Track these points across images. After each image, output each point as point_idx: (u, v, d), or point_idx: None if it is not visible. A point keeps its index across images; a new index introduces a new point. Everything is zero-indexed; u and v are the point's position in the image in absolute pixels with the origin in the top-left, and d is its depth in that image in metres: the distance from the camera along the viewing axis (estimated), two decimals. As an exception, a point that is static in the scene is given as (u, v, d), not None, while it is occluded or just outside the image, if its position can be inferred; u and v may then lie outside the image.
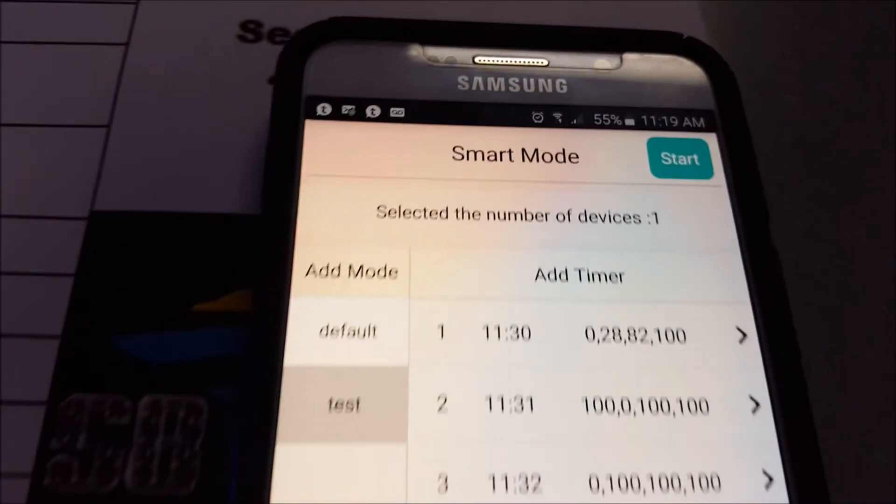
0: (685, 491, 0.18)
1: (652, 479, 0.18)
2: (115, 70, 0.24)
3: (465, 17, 0.25)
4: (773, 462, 0.18)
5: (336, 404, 0.18)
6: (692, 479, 0.18)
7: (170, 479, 0.19)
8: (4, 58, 0.24)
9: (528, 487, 0.17)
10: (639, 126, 0.22)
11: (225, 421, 0.20)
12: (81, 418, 0.20)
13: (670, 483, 0.18)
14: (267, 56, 0.24)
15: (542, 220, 0.20)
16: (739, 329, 0.19)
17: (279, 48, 0.24)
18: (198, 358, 0.20)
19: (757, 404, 0.19)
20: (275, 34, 0.25)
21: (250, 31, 0.25)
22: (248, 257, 0.21)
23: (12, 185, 0.22)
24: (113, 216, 0.22)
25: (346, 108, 0.21)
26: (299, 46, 0.22)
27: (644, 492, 0.17)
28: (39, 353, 0.20)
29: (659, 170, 0.21)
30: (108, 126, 0.23)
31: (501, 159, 0.21)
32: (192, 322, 0.21)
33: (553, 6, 0.26)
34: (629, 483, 0.18)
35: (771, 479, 0.18)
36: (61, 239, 0.22)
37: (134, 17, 0.25)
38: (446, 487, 0.17)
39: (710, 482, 0.18)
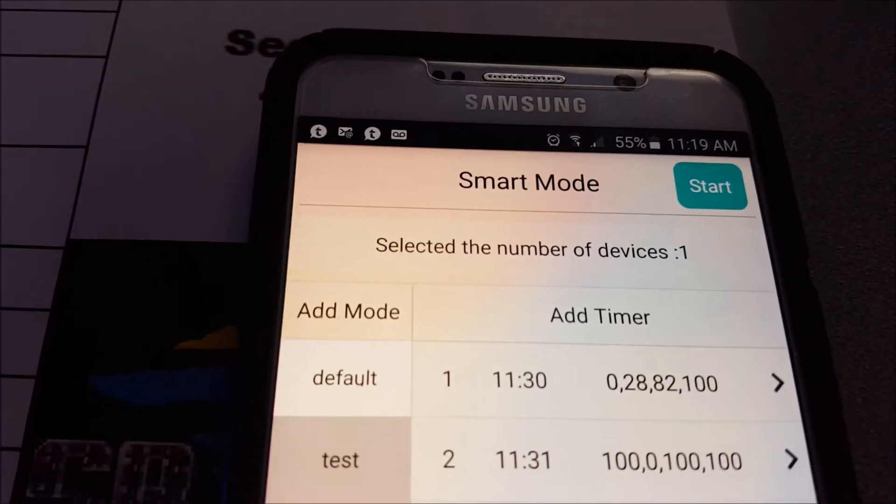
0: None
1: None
2: (93, 85, 0.24)
3: (472, 24, 0.25)
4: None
5: (332, 460, 0.17)
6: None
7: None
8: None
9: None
10: (665, 150, 0.21)
11: (213, 470, 0.19)
12: (58, 465, 0.19)
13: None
14: (258, 69, 0.24)
15: (558, 255, 0.20)
16: (775, 376, 0.19)
17: (271, 61, 0.23)
18: (183, 401, 0.20)
19: (794, 458, 0.18)
20: (266, 45, 0.24)
21: (240, 41, 0.24)
22: (236, 292, 0.21)
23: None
24: (91, 245, 0.22)
25: (342, 130, 0.21)
26: (291, 61, 0.21)
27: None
28: (14, 394, 0.20)
29: (687, 199, 0.21)
30: (85, 147, 0.23)
31: (513, 187, 0.21)
32: (176, 362, 0.20)
33: (569, 6, 0.26)
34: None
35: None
36: (37, 270, 0.21)
37: (114, 27, 0.25)
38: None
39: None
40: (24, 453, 0.19)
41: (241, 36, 0.25)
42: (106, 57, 0.24)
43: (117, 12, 0.25)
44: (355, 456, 0.17)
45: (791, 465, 0.18)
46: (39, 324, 0.21)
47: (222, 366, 0.20)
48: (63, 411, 0.20)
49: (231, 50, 0.24)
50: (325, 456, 0.17)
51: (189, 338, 0.21)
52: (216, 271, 0.21)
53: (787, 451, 0.18)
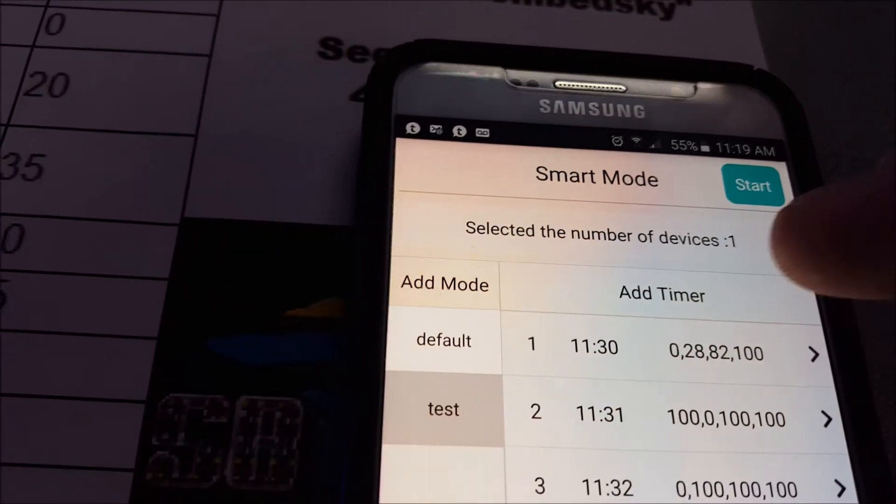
0: (763, 496, 0.20)
1: (734, 485, 0.20)
2: (199, 81, 0.26)
3: (539, 31, 0.28)
4: (844, 471, 0.20)
5: (436, 409, 0.20)
6: (770, 486, 0.20)
7: (269, 476, 0.21)
8: (96, 66, 0.26)
9: (619, 492, 0.19)
10: (714, 153, 0.24)
11: (319, 422, 0.22)
12: (180, 417, 0.21)
13: (750, 490, 0.20)
14: (347, 73, 0.26)
15: (624, 240, 0.22)
16: (811, 348, 0.21)
17: (358, 66, 0.26)
18: (291, 361, 0.22)
19: (829, 419, 0.21)
20: (354, 52, 0.27)
21: (330, 48, 0.27)
22: (338, 267, 0.23)
23: (104, 189, 0.24)
24: (203, 223, 0.24)
25: (433, 128, 0.23)
26: (388, 66, 0.24)
27: (727, 497, 0.20)
28: (137, 355, 0.22)
29: (734, 195, 0.23)
30: (195, 136, 0.25)
31: (583, 180, 0.23)
32: (283, 326, 0.23)
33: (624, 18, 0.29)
34: (713, 489, 0.20)
35: (843, 487, 0.20)
36: (154, 244, 0.24)
37: (216, 29, 0.27)
38: (543, 490, 0.19)
39: (786, 489, 0.20)
40: (148, 406, 0.22)
41: (332, 42, 0.27)
42: (210, 56, 0.27)
43: (218, 15, 0.27)
44: (456, 406, 0.20)
45: (826, 424, 0.21)
46: (159, 291, 0.23)
47: (327, 331, 0.23)
48: (183, 369, 0.22)
49: (322, 55, 0.27)
50: (430, 405, 0.20)
51: (295, 307, 0.23)
52: (313, 249, 0.24)
53: (824, 412, 0.21)
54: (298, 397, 0.22)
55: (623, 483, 0.19)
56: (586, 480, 0.19)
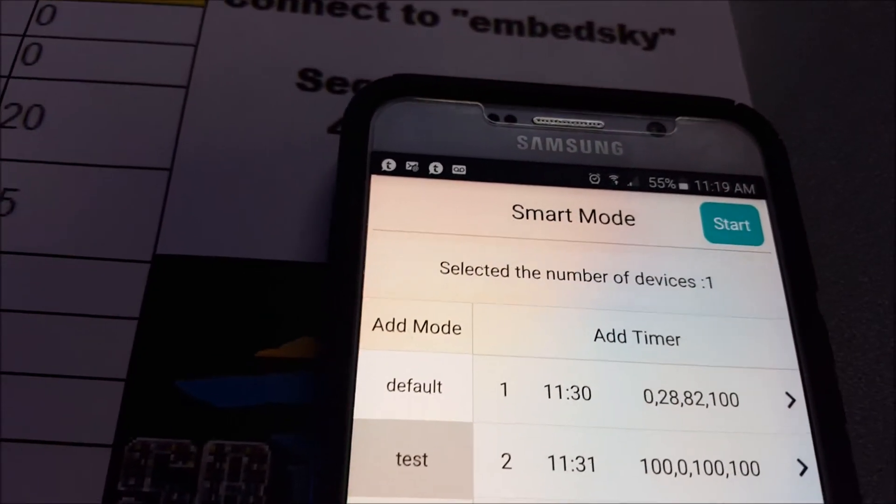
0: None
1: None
2: (175, 113, 0.25)
3: (516, 63, 0.27)
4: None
5: (404, 459, 0.19)
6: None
7: (237, 523, 0.20)
8: (71, 96, 0.25)
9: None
10: (692, 191, 0.23)
11: (288, 467, 0.21)
12: (147, 461, 0.21)
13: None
14: (326, 105, 0.26)
15: (600, 281, 0.22)
16: (788, 394, 0.21)
17: (338, 97, 0.25)
18: (261, 403, 0.22)
19: (805, 467, 0.20)
20: (333, 83, 0.26)
21: (309, 79, 0.26)
22: (312, 305, 0.23)
23: (76, 224, 0.23)
24: (176, 260, 0.23)
25: (409, 165, 0.23)
26: (365, 102, 0.23)
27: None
28: (105, 396, 0.22)
29: (712, 234, 0.23)
30: (169, 169, 0.24)
31: (560, 219, 0.22)
32: (254, 368, 0.22)
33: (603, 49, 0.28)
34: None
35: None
36: (125, 281, 0.23)
37: (193, 59, 0.26)
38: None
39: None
40: (115, 450, 0.21)
41: (311, 74, 0.26)
42: (186, 88, 0.26)
43: (196, 46, 0.27)
44: (425, 456, 0.19)
45: (802, 473, 0.20)
46: (129, 331, 0.22)
47: (298, 372, 0.22)
48: (151, 411, 0.22)
49: (301, 86, 0.26)
50: (399, 455, 0.19)
51: (266, 347, 0.22)
52: (289, 287, 0.23)
53: (799, 460, 0.20)
54: (267, 441, 0.21)
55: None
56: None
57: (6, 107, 0.25)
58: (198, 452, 0.21)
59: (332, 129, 0.25)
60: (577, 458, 0.20)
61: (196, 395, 0.22)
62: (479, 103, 0.24)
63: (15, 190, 0.24)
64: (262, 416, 0.22)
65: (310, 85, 0.26)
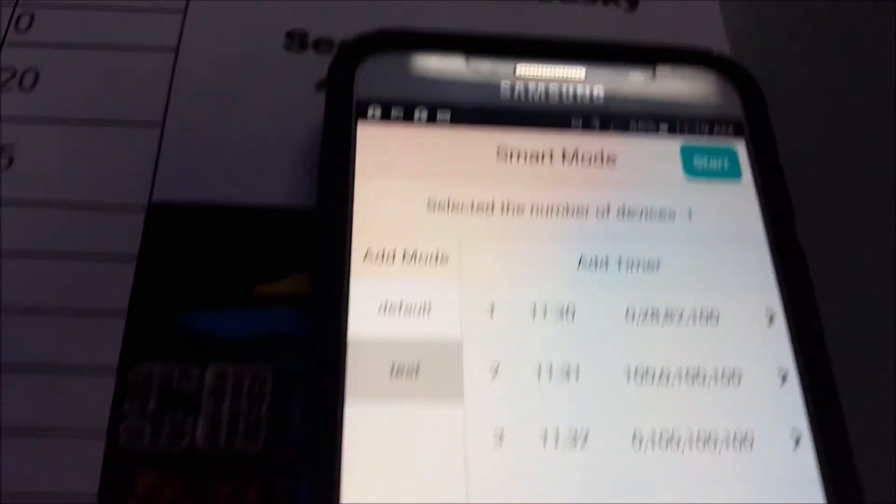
0: (720, 450, 0.22)
1: (691, 434, 0.22)
2: (166, 74, 0.29)
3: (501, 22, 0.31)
4: (801, 422, 0.23)
5: (397, 371, 0.22)
6: (727, 437, 0.22)
7: (238, 438, 0.23)
8: (64, 61, 0.29)
9: (575, 443, 0.22)
10: (672, 132, 0.27)
11: (287, 387, 0.24)
12: (151, 385, 0.24)
13: (706, 441, 0.22)
14: (313, 64, 0.29)
15: (582, 214, 0.25)
16: (769, 310, 0.24)
17: (324, 58, 0.29)
18: (260, 333, 0.25)
19: (785, 376, 0.23)
20: (320, 44, 0.30)
21: (296, 40, 0.30)
22: (304, 245, 0.26)
23: (74, 177, 0.27)
24: (170, 207, 0.27)
25: (395, 111, 0.26)
26: (350, 54, 0.27)
27: (682, 450, 0.22)
28: (107, 329, 0.24)
29: (692, 171, 0.26)
30: (161, 125, 0.28)
31: (543, 159, 0.26)
32: (252, 302, 0.26)
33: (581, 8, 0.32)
34: (669, 438, 0.22)
35: (798, 439, 0.23)
36: (123, 228, 0.26)
37: (182, 23, 0.30)
38: (501, 442, 0.22)
39: (742, 441, 0.22)
40: (119, 375, 0.24)
41: (297, 35, 0.30)
42: (176, 50, 0.30)
43: (185, 11, 0.31)
44: (417, 367, 0.22)
45: (783, 382, 0.23)
46: (128, 272, 0.26)
47: (293, 306, 0.25)
48: (154, 342, 0.24)
49: (288, 48, 0.30)
50: (392, 367, 0.22)
51: (263, 283, 0.26)
52: (281, 229, 0.26)
53: (780, 369, 0.23)
54: (267, 364, 0.25)
55: (580, 434, 0.22)
56: (545, 431, 0.22)
57: (2, 70, 0.29)
58: (200, 375, 0.24)
59: (319, 87, 0.29)
60: (562, 366, 0.23)
61: (197, 326, 0.25)
62: (463, 55, 0.28)
63: (12, 145, 0.27)
64: (263, 345, 0.24)
65: (296, 46, 0.30)
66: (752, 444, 0.22)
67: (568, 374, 0.22)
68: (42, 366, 0.24)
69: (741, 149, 0.26)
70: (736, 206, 0.25)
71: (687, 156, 0.26)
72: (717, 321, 0.23)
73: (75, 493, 0.22)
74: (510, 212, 0.24)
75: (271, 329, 0.24)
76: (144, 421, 0.23)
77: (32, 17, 0.29)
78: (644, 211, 0.25)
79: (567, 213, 0.25)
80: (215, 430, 0.23)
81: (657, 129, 0.26)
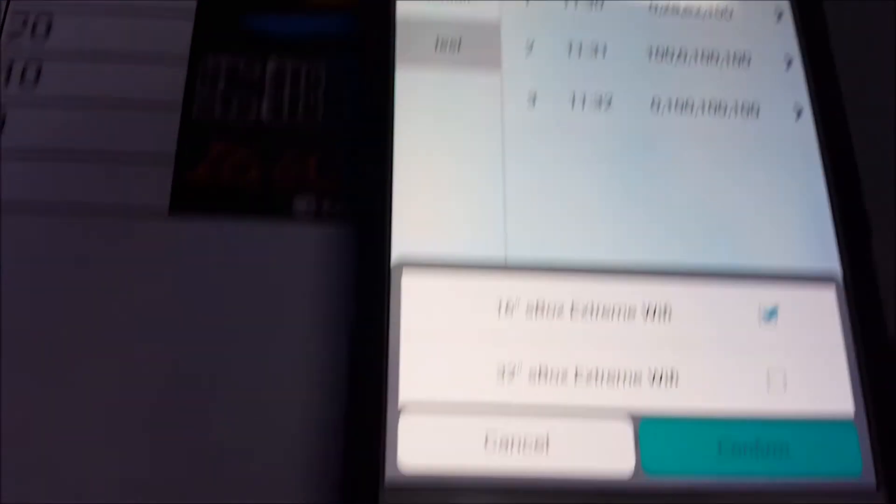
0: (729, 116, 0.25)
1: (703, 103, 0.25)
2: None
3: None
4: (803, 99, 0.25)
5: (441, 44, 0.25)
6: (736, 106, 0.25)
7: (299, 115, 0.26)
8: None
9: (600, 106, 0.25)
10: None
11: (341, 78, 0.27)
12: (219, 71, 0.26)
13: (717, 108, 0.25)
14: None
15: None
16: (777, 7, 0.26)
17: None
18: (316, 34, 0.27)
19: (790, 63, 0.26)
20: None
21: None
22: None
23: None
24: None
25: None
26: None
27: (695, 114, 0.25)
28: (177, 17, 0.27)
29: None
30: None
31: None
32: (309, 9, 0.28)
33: None
34: (684, 104, 0.25)
35: (800, 112, 0.25)
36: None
37: None
38: (534, 104, 0.24)
39: (749, 110, 0.25)
40: (190, 66, 0.26)
41: None
42: None
43: None
44: (459, 43, 0.25)
45: (788, 66, 0.26)
46: None
47: (348, 12, 0.28)
48: (219, 40, 0.27)
49: None
50: (437, 41, 0.25)
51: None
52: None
53: (786, 55, 0.26)
54: (323, 57, 0.27)
55: (605, 98, 0.25)
56: (573, 96, 0.25)
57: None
58: (262, 66, 0.27)
59: None
60: (590, 46, 0.25)
61: (257, 26, 0.27)
62: None
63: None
64: (319, 44, 0.27)
65: None
66: (757, 114, 0.24)
67: (595, 51, 0.25)
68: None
69: None
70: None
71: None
72: (731, 15, 0.25)
73: (155, 152, 0.25)
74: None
75: (326, 30, 0.26)
76: (215, 98, 0.25)
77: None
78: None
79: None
80: (278, 109, 0.25)
81: None
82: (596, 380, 0.21)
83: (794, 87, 0.25)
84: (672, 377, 0.21)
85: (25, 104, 0.25)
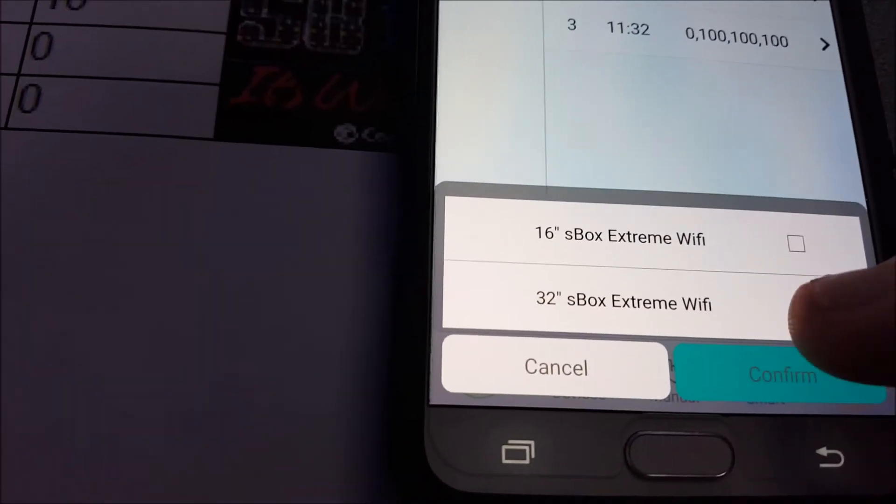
0: (759, 44, 0.24)
1: (734, 34, 0.24)
2: None
3: None
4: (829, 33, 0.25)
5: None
6: (766, 37, 0.24)
7: (340, 42, 0.25)
8: None
9: (637, 31, 0.24)
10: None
11: (382, 7, 0.26)
12: None
13: (748, 38, 0.24)
14: None
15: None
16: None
17: None
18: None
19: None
20: None
21: None
22: None
23: None
24: None
25: None
26: None
27: (728, 42, 0.24)
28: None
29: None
30: None
31: None
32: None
33: None
34: (717, 34, 0.24)
35: (827, 44, 0.24)
36: None
37: None
38: (574, 27, 0.24)
39: (779, 41, 0.24)
40: None
41: None
42: None
43: None
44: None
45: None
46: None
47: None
48: None
49: None
50: None
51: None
52: None
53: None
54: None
55: (641, 27, 0.24)
56: (611, 24, 0.24)
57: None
58: None
59: None
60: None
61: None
62: None
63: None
64: None
65: None
66: (786, 43, 0.23)
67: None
68: None
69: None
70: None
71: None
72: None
73: (200, 82, 0.25)
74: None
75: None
76: (259, 23, 0.24)
77: None
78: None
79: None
80: (320, 35, 0.25)
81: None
82: (632, 305, 0.20)
83: (821, 20, 0.24)
84: (705, 304, 0.20)
85: (72, 28, 0.24)
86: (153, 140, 0.24)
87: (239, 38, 0.25)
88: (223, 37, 0.25)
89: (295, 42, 0.25)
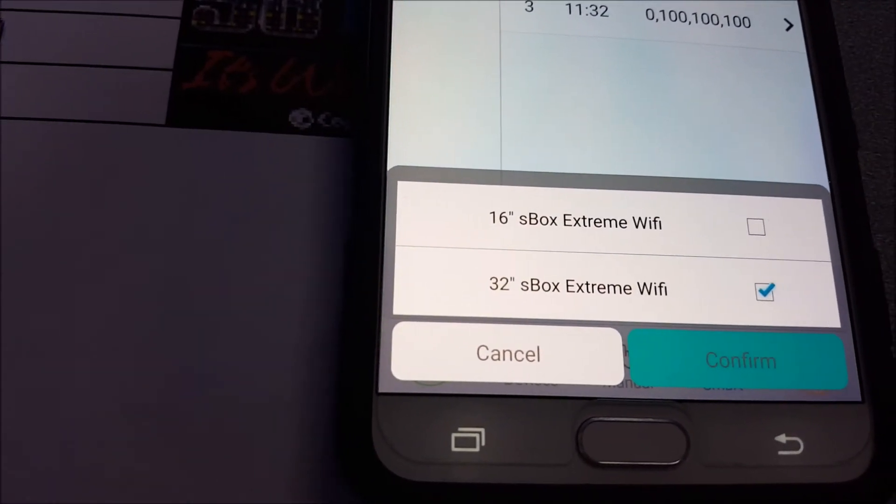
0: (721, 24, 0.23)
1: (696, 15, 0.23)
2: None
3: None
4: (793, 14, 0.23)
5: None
6: (727, 19, 0.23)
7: (297, 26, 0.24)
8: None
9: (597, 13, 0.23)
10: None
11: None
12: None
13: (710, 18, 0.23)
14: None
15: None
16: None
17: None
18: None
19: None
20: None
21: None
22: None
23: None
24: None
25: None
26: None
27: (689, 22, 0.23)
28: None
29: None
30: None
31: None
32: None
33: None
34: (678, 15, 0.23)
35: (791, 24, 0.23)
36: None
37: None
38: (532, 9, 0.22)
39: (741, 21, 0.23)
40: None
41: None
42: None
43: None
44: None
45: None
46: None
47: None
48: None
49: None
50: None
51: None
52: None
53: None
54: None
55: (600, 8, 0.23)
56: (569, 5, 0.23)
57: None
58: None
59: None
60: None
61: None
62: None
63: None
64: None
65: None
66: (749, 24, 0.22)
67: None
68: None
69: None
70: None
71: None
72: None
73: (153, 68, 0.23)
74: None
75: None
76: (214, 7, 0.23)
77: None
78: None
79: None
80: (276, 19, 0.24)
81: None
82: (587, 290, 0.19)
83: (784, 0, 0.23)
84: (661, 289, 0.19)
85: (23, 14, 0.23)
86: (103, 126, 0.22)
87: (193, 22, 0.24)
88: (178, 21, 0.24)
89: (250, 26, 0.24)
